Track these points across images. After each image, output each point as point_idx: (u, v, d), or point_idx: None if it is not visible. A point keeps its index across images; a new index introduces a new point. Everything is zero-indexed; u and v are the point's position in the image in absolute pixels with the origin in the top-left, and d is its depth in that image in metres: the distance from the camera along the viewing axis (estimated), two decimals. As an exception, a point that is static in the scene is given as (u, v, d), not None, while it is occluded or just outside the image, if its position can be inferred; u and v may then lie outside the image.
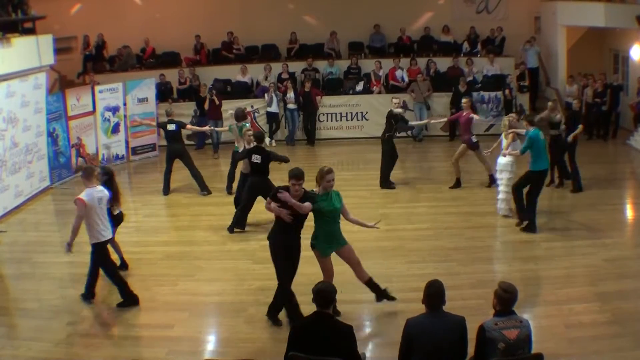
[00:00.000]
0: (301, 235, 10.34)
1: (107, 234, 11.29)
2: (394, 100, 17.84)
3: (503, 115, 22.77)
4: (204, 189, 18.04)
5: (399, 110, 17.51)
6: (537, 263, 12.66)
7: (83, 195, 10.91)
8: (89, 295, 11.50)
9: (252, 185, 14.57)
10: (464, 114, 17.22)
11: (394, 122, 17.25)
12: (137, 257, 13.73)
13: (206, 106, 22.11)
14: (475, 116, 17.38)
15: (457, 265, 12.44)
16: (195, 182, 18.07)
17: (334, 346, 7.39)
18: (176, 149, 17.96)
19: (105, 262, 11.33)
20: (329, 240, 10.41)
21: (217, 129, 20.82)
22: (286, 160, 14.73)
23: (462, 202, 16.36)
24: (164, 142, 19.03)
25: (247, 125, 17.00)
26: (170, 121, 18.05)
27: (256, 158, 14.45)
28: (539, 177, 13.97)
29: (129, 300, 11.28)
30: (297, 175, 9.93)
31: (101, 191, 11.26)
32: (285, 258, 10.36)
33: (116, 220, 12.52)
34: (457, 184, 17.36)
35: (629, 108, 22.32)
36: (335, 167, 19.91)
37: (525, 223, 14.03)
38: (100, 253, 11.19)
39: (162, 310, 11.36)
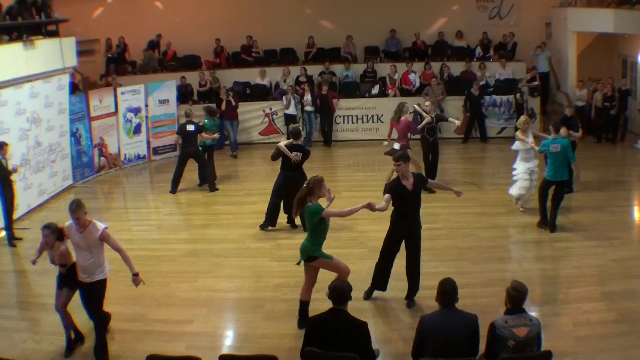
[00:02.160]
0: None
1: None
2: (426, 103, 17.79)
3: (515, 119, 22.93)
4: (213, 188, 18.35)
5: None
6: (546, 263, 12.66)
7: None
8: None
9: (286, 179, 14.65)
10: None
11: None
12: (157, 254, 13.81)
13: (223, 106, 22.23)
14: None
15: (469, 264, 12.44)
16: (204, 178, 18.42)
17: (349, 341, 7.43)
18: (190, 152, 18.14)
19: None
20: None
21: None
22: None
23: (474, 203, 16.33)
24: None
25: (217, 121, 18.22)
26: (189, 122, 18.15)
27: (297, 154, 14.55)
28: (542, 184, 14.19)
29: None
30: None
31: None
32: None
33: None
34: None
35: (638, 112, 22.26)
36: (351, 168, 20.30)
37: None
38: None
39: (182, 306, 11.41)
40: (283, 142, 14.62)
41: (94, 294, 9.68)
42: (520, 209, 15.11)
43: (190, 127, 18.02)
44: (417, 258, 10.84)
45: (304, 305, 10.43)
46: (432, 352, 7.33)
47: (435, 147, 17.46)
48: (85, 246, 9.44)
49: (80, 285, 9.72)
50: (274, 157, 14.73)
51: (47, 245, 9.92)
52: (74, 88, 21.17)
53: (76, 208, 9.38)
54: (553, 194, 13.87)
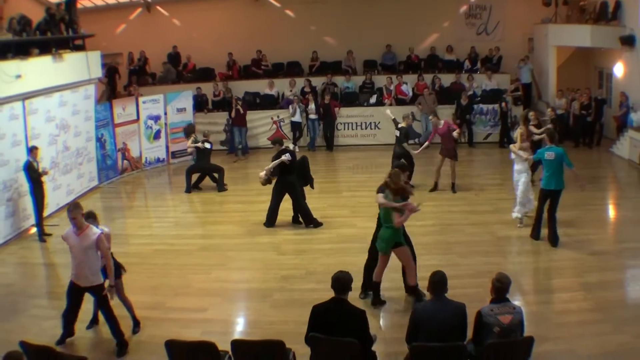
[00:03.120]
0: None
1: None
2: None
3: (499, 125, 22.94)
4: (221, 188, 18.43)
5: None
6: (528, 256, 12.68)
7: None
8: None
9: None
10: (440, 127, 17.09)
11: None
12: (175, 248, 13.83)
13: (232, 114, 22.31)
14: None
15: (458, 257, 12.44)
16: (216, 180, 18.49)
17: (349, 328, 7.43)
18: (204, 166, 18.48)
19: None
20: None
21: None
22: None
23: (463, 202, 16.33)
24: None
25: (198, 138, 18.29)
26: (206, 141, 18.39)
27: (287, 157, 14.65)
28: (540, 194, 13.13)
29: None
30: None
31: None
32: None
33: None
34: (435, 187, 17.33)
35: (613, 119, 22.23)
36: (351, 170, 20.30)
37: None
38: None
39: (197, 295, 11.43)
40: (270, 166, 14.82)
41: (98, 300, 9.61)
42: (519, 225, 14.02)
43: (207, 145, 18.33)
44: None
45: (376, 285, 10.60)
46: (424, 337, 7.34)
47: (397, 157, 17.09)
48: (81, 249, 9.21)
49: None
50: (273, 174, 14.90)
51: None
52: (114, 71, 22.93)
53: (73, 208, 9.29)
54: (548, 206, 12.96)
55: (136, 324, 10.17)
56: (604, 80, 24.01)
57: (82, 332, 10.11)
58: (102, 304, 9.49)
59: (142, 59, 25.62)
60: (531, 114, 16.33)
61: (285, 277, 12.02)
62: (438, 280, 7.59)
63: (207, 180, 18.67)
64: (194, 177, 18.64)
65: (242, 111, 22.51)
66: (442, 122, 17.19)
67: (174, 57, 26.04)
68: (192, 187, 18.52)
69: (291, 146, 14.94)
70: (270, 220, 15.04)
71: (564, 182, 12.74)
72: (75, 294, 9.52)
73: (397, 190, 10.28)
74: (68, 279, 11.92)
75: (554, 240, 12.92)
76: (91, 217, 9.78)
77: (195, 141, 18.19)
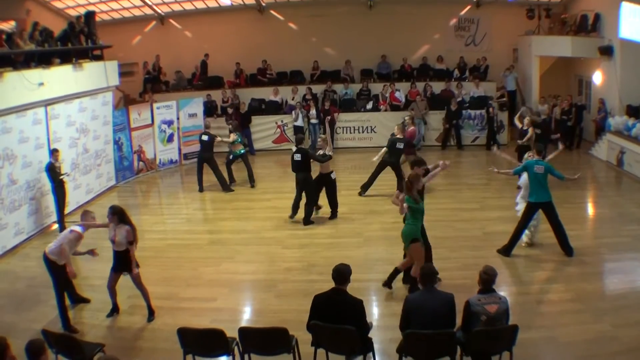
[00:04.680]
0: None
1: None
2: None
3: (486, 129, 22.93)
4: (226, 189, 18.30)
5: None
6: (513, 250, 12.59)
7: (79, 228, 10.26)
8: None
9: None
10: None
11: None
12: (187, 242, 13.84)
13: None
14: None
15: (447, 251, 12.37)
16: (218, 182, 18.37)
17: (347, 316, 7.43)
18: (205, 157, 18.34)
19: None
20: None
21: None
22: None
23: (452, 200, 16.31)
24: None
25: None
26: (205, 133, 18.41)
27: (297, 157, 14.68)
28: (528, 207, 12.20)
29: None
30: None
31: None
32: None
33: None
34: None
35: (592, 123, 22.21)
36: (349, 170, 20.29)
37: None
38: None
39: (207, 286, 11.45)
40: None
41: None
42: (523, 244, 12.72)
43: (205, 137, 18.33)
44: None
45: (395, 272, 10.76)
46: (416, 325, 7.34)
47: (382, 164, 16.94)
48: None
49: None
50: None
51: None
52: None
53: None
54: (548, 218, 12.26)
55: (151, 313, 10.19)
56: (584, 88, 23.98)
57: (101, 320, 10.13)
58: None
59: (156, 68, 25.61)
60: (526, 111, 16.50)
61: (288, 269, 12.03)
62: (427, 273, 7.63)
63: (212, 179, 18.53)
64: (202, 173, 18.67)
65: (234, 118, 22.66)
66: (411, 128, 17.43)
67: (203, 64, 26.01)
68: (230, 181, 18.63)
69: (294, 148, 14.87)
70: (309, 214, 15.04)
71: (549, 194, 12.13)
72: None
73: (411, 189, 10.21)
74: (87, 271, 12.01)
75: (569, 250, 12.15)
76: (116, 213, 10.00)
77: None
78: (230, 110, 23.25)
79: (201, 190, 18.34)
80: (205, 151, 18.29)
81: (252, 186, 18.44)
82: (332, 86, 24.67)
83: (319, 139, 16.01)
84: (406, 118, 18.08)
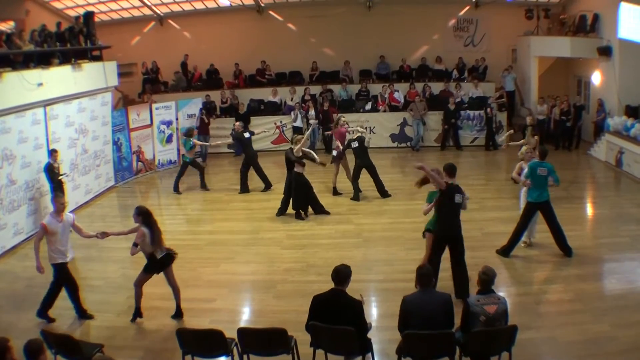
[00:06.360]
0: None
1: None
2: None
3: (485, 130, 22.93)
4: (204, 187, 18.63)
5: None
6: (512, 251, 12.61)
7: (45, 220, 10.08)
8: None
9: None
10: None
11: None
12: (185, 243, 13.76)
13: (197, 124, 22.42)
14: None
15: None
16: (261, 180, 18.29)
17: (346, 317, 7.43)
18: (249, 154, 18.33)
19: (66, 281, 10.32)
20: None
21: (205, 143, 21.20)
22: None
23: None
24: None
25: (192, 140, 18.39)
26: (246, 131, 18.83)
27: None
28: (528, 207, 12.27)
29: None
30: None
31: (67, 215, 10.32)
32: None
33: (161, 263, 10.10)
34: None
35: (591, 124, 22.22)
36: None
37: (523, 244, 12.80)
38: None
39: (206, 286, 11.45)
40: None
41: None
42: (522, 244, 12.71)
43: (247, 135, 18.53)
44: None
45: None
46: (414, 326, 7.34)
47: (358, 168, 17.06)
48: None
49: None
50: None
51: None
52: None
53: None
54: (546, 219, 12.24)
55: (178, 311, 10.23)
56: (582, 88, 24.00)
57: (100, 320, 10.13)
58: None
59: (155, 69, 25.60)
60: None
61: (287, 270, 12.03)
62: (424, 274, 7.63)
63: (212, 180, 18.55)
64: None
65: (206, 120, 22.70)
66: (343, 128, 17.66)
67: (183, 65, 25.97)
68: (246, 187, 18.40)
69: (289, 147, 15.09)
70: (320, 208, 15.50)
71: (548, 193, 12.15)
72: None
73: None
74: (86, 272, 12.01)
75: (568, 251, 12.15)
76: (141, 214, 9.96)
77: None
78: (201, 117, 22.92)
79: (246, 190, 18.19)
80: (248, 148, 18.34)
81: (207, 189, 18.58)
82: (331, 87, 24.67)
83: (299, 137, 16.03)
84: (342, 118, 18.04)
